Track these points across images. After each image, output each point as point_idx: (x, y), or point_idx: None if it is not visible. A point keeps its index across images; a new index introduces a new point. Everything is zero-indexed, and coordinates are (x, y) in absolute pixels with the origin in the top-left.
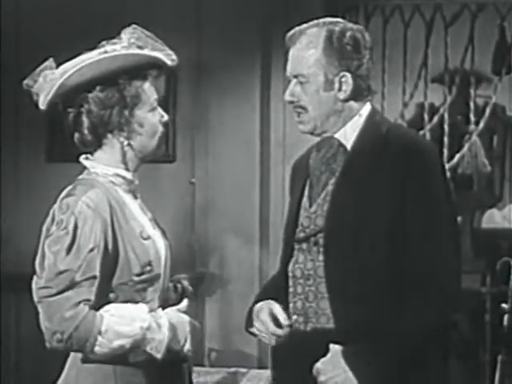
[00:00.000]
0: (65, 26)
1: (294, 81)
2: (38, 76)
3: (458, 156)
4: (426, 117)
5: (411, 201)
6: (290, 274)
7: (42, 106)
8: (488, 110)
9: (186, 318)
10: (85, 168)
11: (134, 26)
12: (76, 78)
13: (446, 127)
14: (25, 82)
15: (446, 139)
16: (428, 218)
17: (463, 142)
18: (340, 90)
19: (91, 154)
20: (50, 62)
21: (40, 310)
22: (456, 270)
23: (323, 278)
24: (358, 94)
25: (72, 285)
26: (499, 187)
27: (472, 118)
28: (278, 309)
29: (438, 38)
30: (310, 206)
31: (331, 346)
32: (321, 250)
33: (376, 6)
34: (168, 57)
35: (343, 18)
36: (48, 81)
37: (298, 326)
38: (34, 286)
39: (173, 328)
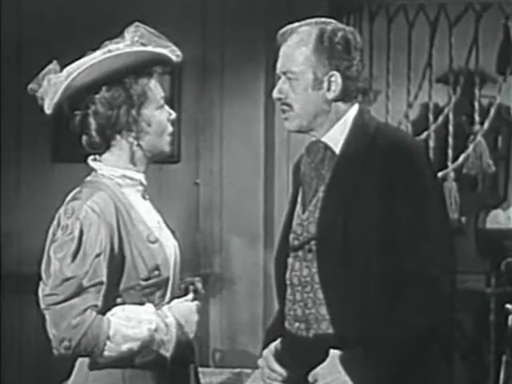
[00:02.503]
0: (67, 26)
1: (283, 78)
2: (42, 80)
3: (462, 156)
4: (430, 117)
5: (400, 201)
6: (288, 282)
7: (48, 110)
8: (493, 111)
9: (193, 305)
10: (93, 169)
11: (137, 23)
12: (81, 80)
13: (450, 127)
14: (29, 86)
15: (450, 140)
16: (418, 217)
17: (468, 142)
18: (329, 89)
19: (99, 155)
20: (54, 64)
21: (47, 317)
22: (449, 268)
23: (319, 284)
24: (346, 95)
25: (78, 291)
26: (504, 188)
27: (477, 118)
28: (276, 367)
29: (442, 37)
30: (303, 212)
31: (331, 351)
32: (315, 256)
33: (380, 5)
34: (173, 53)
35: (347, 17)
36: (52, 84)
37: (300, 332)
38: (40, 292)
39: (180, 325)
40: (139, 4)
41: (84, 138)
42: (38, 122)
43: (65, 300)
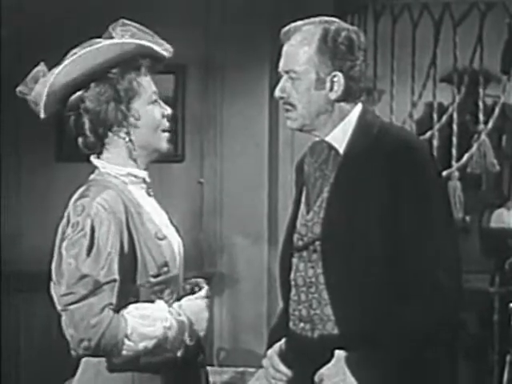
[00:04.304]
0: (68, 26)
1: (285, 77)
2: (31, 83)
3: (466, 156)
4: (434, 116)
5: (404, 201)
6: (293, 283)
7: (42, 114)
8: (497, 110)
9: (203, 302)
10: (95, 168)
11: (123, 20)
12: (65, 77)
13: (454, 127)
14: (18, 88)
15: (454, 139)
16: (422, 217)
17: (472, 141)
18: (331, 89)
19: (98, 155)
20: (42, 66)
21: (64, 317)
22: (455, 268)
23: (325, 285)
24: (349, 95)
25: (94, 289)
26: (508, 187)
27: (481, 117)
28: (280, 367)
29: (446, 37)
30: (307, 213)
31: (336, 351)
32: (320, 257)
33: (385, 5)
34: (161, 47)
35: (352, 17)
36: (42, 85)
37: (305, 333)
38: (53, 293)
39: (191, 323)
40: (142, 4)
41: (80, 139)
42: (41, 121)
43: (82, 298)
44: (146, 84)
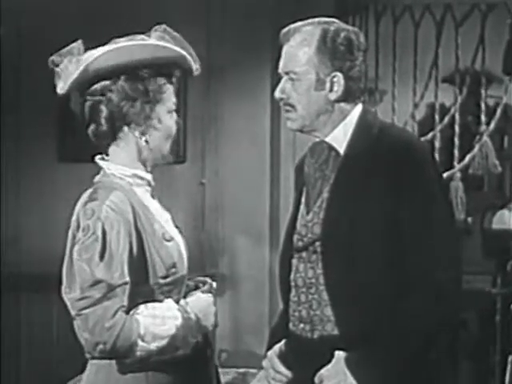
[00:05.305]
0: (68, 25)
1: (285, 77)
2: (64, 56)
3: (468, 157)
4: (436, 117)
5: (405, 202)
6: (293, 284)
7: (61, 90)
8: (499, 111)
9: (209, 297)
10: (99, 169)
11: (164, 26)
12: (102, 63)
13: (456, 128)
14: (51, 58)
15: (456, 140)
16: (422, 218)
17: (474, 142)
18: (331, 90)
19: (106, 151)
20: (79, 43)
21: (78, 322)
22: (455, 269)
23: (324, 286)
24: (349, 96)
25: (108, 292)
26: (510, 188)
27: (483, 118)
28: (280, 368)
29: (448, 38)
30: (307, 213)
31: (336, 352)
32: (320, 258)
33: (386, 5)
34: (196, 63)
35: (353, 17)
36: (73, 63)
37: (305, 334)
38: (66, 298)
39: (199, 319)
40: (142, 4)
41: (91, 126)
42: (43, 120)
43: (96, 302)
44: (170, 93)
